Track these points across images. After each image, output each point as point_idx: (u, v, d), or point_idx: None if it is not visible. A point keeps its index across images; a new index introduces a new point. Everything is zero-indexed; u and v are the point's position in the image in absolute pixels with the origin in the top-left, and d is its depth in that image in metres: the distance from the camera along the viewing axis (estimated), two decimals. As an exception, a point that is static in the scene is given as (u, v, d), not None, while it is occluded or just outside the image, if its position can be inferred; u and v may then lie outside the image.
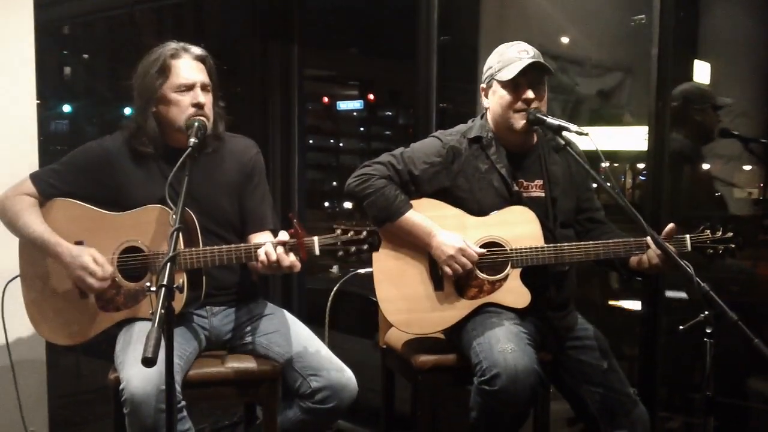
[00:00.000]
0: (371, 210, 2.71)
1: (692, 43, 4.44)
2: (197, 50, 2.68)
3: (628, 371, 3.47)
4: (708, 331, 2.12)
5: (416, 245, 2.72)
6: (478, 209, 2.73)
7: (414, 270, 2.74)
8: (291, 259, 2.38)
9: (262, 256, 2.38)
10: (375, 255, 2.68)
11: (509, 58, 2.71)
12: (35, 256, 2.65)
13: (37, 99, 3.34)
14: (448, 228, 2.69)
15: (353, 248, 2.38)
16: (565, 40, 4.99)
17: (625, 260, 2.70)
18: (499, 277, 2.69)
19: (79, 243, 2.59)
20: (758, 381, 3.69)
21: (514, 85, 2.68)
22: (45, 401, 3.36)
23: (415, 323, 2.74)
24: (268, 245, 2.39)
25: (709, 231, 2.60)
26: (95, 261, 2.52)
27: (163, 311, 1.84)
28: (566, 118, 2.70)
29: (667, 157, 3.18)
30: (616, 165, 5.02)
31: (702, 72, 4.26)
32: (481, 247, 2.69)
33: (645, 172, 3.38)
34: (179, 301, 2.45)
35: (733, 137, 3.67)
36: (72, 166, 2.68)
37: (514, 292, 2.68)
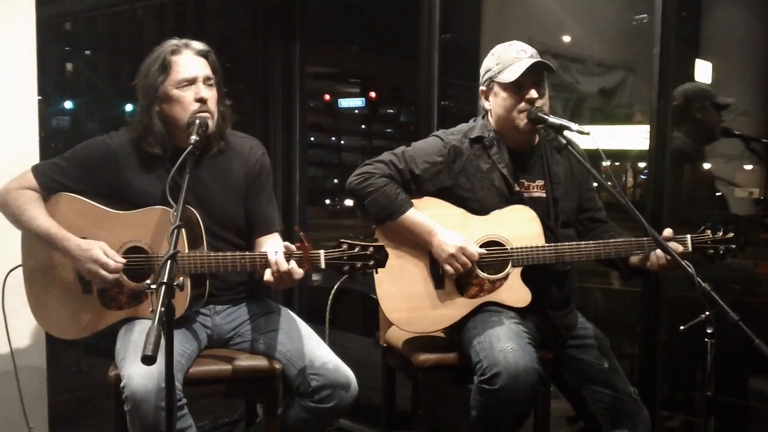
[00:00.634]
0: (372, 208, 2.71)
1: (694, 43, 4.44)
2: (199, 45, 2.64)
3: (629, 370, 3.48)
4: (709, 331, 2.12)
5: (417, 244, 2.72)
6: (480, 208, 2.73)
7: (415, 268, 2.74)
8: (292, 266, 2.38)
9: (273, 268, 2.38)
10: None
11: (509, 58, 2.70)
12: (38, 250, 2.64)
13: (39, 95, 3.33)
14: (450, 227, 2.69)
15: (359, 264, 2.38)
16: (566, 38, 4.99)
17: (626, 259, 2.70)
18: (499, 276, 2.69)
19: (83, 238, 2.58)
20: (759, 380, 3.69)
21: (517, 86, 2.68)
22: (45, 398, 3.36)
23: (415, 322, 2.74)
24: (281, 257, 2.38)
25: (710, 231, 2.60)
26: (106, 254, 2.52)
27: (163, 309, 1.84)
28: (568, 117, 2.70)
29: (668, 157, 3.18)
30: (617, 164, 5.03)
31: (704, 71, 4.26)
32: (482, 246, 2.69)
33: (646, 171, 3.37)
34: (182, 304, 2.45)
35: (735, 137, 3.66)
36: (75, 161, 2.66)
37: (514, 291, 2.68)
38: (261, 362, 2.62)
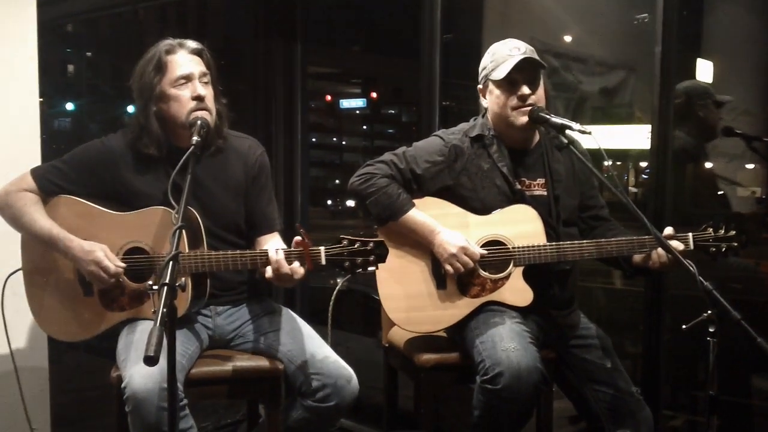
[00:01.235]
0: (374, 208, 2.71)
1: (695, 42, 4.44)
2: (193, 44, 2.65)
3: (632, 370, 3.47)
4: (711, 330, 2.12)
5: (419, 243, 2.72)
6: (482, 208, 2.73)
7: (416, 268, 2.74)
8: (294, 266, 2.38)
9: (274, 267, 2.38)
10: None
11: (501, 56, 2.70)
12: (38, 252, 2.64)
13: (40, 97, 3.33)
14: (451, 227, 2.69)
15: (360, 260, 2.38)
16: (568, 37, 4.99)
17: (628, 257, 2.70)
18: (501, 275, 2.68)
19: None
20: (762, 379, 3.68)
21: (508, 83, 2.68)
22: (47, 399, 3.36)
23: (417, 321, 2.74)
24: (281, 256, 2.38)
25: (712, 229, 2.60)
26: (107, 257, 2.52)
27: (165, 310, 1.84)
28: (569, 116, 2.71)
29: (670, 155, 3.18)
30: (619, 163, 5.03)
31: (705, 70, 4.26)
32: (483, 245, 2.69)
33: (648, 170, 3.37)
34: (183, 304, 2.46)
35: (737, 135, 3.66)
36: (74, 164, 2.66)
37: (516, 291, 2.68)
38: (262, 362, 2.62)
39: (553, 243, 2.65)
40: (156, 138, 2.61)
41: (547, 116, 2.62)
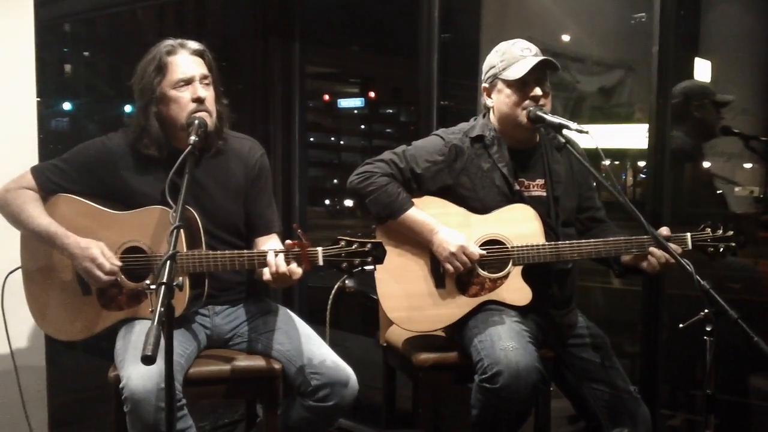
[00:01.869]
0: (374, 207, 2.71)
1: (693, 41, 4.43)
2: (194, 45, 2.64)
3: (630, 369, 3.48)
4: (708, 329, 2.12)
5: (418, 243, 2.72)
6: (481, 207, 2.73)
7: (415, 267, 2.74)
8: (292, 267, 2.38)
9: (272, 269, 2.38)
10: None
11: (513, 56, 2.70)
12: (37, 250, 2.64)
13: (38, 96, 3.33)
14: (451, 226, 2.69)
15: (357, 260, 2.38)
16: (566, 37, 4.98)
17: (617, 257, 2.71)
18: (500, 274, 2.69)
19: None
20: (759, 378, 3.69)
21: (521, 84, 2.68)
22: (45, 399, 3.36)
23: (416, 321, 2.74)
24: (279, 257, 2.38)
25: (709, 229, 2.61)
26: (103, 254, 2.52)
27: (162, 309, 1.84)
28: (568, 116, 2.71)
29: (668, 155, 3.18)
30: (617, 163, 5.02)
31: (703, 70, 4.26)
32: (482, 245, 2.69)
33: (646, 169, 3.38)
34: (181, 304, 2.45)
35: (734, 135, 3.67)
36: (74, 163, 2.67)
37: (515, 290, 2.68)
38: (261, 362, 2.62)
39: (552, 242, 2.66)
40: (156, 139, 2.61)
41: (545, 115, 2.62)
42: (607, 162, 2.57)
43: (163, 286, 1.88)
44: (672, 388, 3.75)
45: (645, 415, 2.73)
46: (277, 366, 2.60)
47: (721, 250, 2.60)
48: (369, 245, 2.39)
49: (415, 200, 2.73)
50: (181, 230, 2.30)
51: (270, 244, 2.70)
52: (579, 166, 2.80)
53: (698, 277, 2.16)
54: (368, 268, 2.44)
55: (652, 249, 2.57)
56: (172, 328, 1.93)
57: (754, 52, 4.48)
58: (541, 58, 2.67)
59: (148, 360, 1.74)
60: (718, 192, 3.93)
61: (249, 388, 2.67)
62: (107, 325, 2.61)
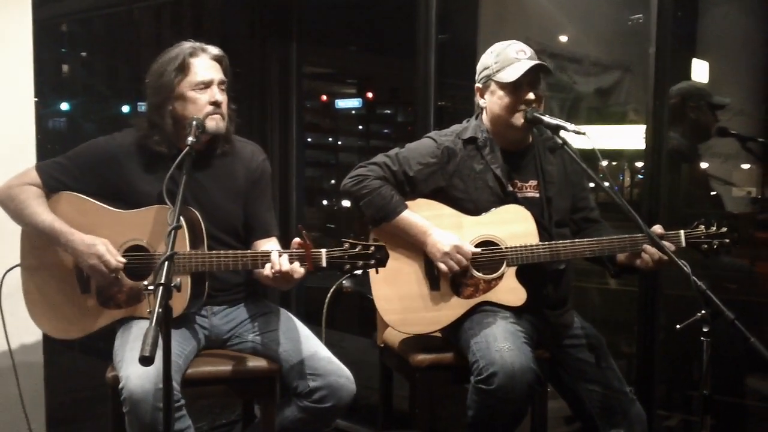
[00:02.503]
0: (368, 210, 2.71)
1: (690, 42, 4.45)
2: (215, 50, 2.68)
3: (626, 369, 3.48)
4: (705, 329, 2.12)
5: (412, 245, 2.73)
6: (474, 209, 2.74)
7: (410, 269, 2.75)
8: (294, 266, 2.38)
9: (275, 268, 2.38)
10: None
11: (508, 58, 2.70)
12: (38, 248, 2.65)
13: (35, 96, 3.34)
14: (444, 227, 2.69)
15: (360, 263, 2.39)
16: (563, 38, 4.99)
17: (612, 257, 2.71)
18: (494, 275, 2.69)
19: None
20: (755, 379, 3.70)
21: (515, 87, 2.68)
22: (43, 399, 3.36)
23: (411, 323, 2.74)
24: (283, 257, 2.39)
25: (703, 227, 2.62)
26: (108, 251, 2.52)
27: (161, 310, 1.84)
28: (564, 117, 2.71)
29: (664, 156, 3.19)
30: (614, 164, 5.03)
31: (700, 71, 4.26)
32: (476, 246, 2.69)
33: (643, 170, 3.38)
34: (181, 304, 2.46)
35: (731, 136, 3.68)
36: (78, 161, 2.67)
37: (510, 291, 2.68)
38: (258, 363, 2.63)
39: (546, 242, 2.66)
40: (168, 136, 2.63)
41: (542, 117, 2.63)
42: (604, 163, 2.58)
43: (161, 287, 1.88)
44: (668, 389, 3.76)
45: (640, 415, 2.74)
46: (274, 367, 2.60)
47: (715, 247, 2.61)
48: (372, 248, 2.40)
49: (408, 203, 2.73)
50: (185, 230, 2.34)
51: (269, 246, 2.71)
52: (573, 166, 2.80)
53: (695, 278, 2.16)
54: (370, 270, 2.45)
55: (645, 246, 2.58)
56: (170, 328, 1.93)
57: (751, 54, 4.50)
58: (535, 62, 2.67)
59: (146, 361, 1.74)
60: (714, 193, 3.94)
61: (247, 388, 2.67)
62: (106, 323, 2.61)
